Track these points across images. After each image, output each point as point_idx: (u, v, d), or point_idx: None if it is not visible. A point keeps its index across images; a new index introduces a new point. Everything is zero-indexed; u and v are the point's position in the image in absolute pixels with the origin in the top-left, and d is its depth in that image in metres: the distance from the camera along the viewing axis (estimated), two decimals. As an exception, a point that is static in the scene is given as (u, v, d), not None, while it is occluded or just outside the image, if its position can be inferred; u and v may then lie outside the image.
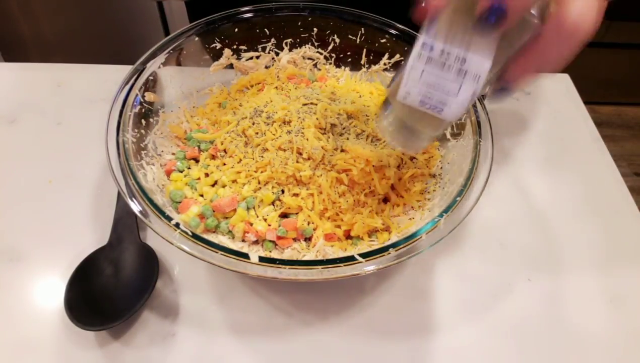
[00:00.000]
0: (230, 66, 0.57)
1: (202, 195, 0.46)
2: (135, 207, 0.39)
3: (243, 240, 0.45)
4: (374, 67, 0.57)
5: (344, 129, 0.49)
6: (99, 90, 0.62)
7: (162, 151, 0.50)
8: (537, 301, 0.46)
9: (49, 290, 0.44)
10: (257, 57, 0.58)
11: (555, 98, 0.66)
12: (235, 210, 0.45)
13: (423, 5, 0.30)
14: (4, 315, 0.43)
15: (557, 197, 0.55)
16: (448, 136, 0.51)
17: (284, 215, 0.45)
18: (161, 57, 0.50)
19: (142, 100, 0.48)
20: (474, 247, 0.50)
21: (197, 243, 0.37)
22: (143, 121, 0.48)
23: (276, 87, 0.55)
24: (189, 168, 0.49)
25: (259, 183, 0.46)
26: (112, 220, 0.47)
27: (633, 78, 1.65)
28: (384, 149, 0.48)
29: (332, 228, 0.44)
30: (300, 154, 0.46)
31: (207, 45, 0.55)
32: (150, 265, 0.44)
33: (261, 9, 0.55)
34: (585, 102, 0.65)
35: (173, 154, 0.50)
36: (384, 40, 0.55)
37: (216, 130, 0.51)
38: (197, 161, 0.50)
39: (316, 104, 0.49)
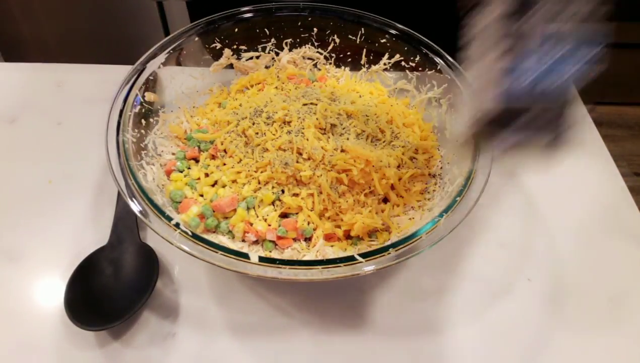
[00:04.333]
0: (230, 66, 0.57)
1: (202, 195, 0.46)
2: (135, 207, 0.39)
3: (243, 240, 0.45)
4: (374, 67, 0.57)
5: (344, 129, 0.49)
6: (99, 90, 0.62)
7: (162, 151, 0.50)
8: (537, 301, 0.46)
9: (49, 290, 0.44)
10: (257, 57, 0.58)
11: (555, 98, 0.66)
12: (235, 210, 0.45)
13: None
14: (4, 315, 0.43)
15: (556, 196, 0.55)
16: (448, 136, 0.51)
17: (284, 215, 0.45)
18: (161, 57, 0.50)
19: (142, 100, 0.48)
20: (474, 247, 0.50)
21: (197, 243, 0.37)
22: (143, 121, 0.48)
23: (276, 87, 0.55)
24: (189, 168, 0.49)
25: (259, 183, 0.46)
26: (112, 220, 0.47)
27: (633, 78, 1.65)
28: (384, 149, 0.48)
29: (332, 228, 0.44)
30: (300, 154, 0.46)
31: (207, 45, 0.55)
32: (150, 265, 0.44)
33: (261, 9, 0.55)
34: (585, 102, 0.65)
35: (173, 154, 0.50)
36: (384, 40, 0.55)
37: (216, 130, 0.51)
38: (197, 161, 0.50)
39: (316, 104, 0.49)
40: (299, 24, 0.56)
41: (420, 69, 0.54)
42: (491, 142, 0.27)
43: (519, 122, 0.25)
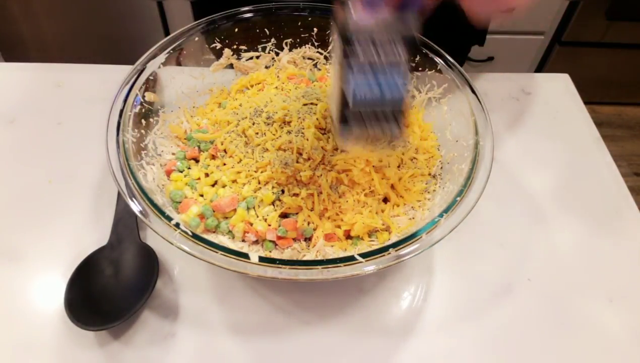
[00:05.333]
0: (231, 66, 0.57)
1: (202, 195, 0.46)
2: (135, 207, 0.39)
3: (243, 240, 0.45)
4: (374, 67, 0.57)
5: (344, 129, 0.49)
6: (99, 90, 0.62)
7: (162, 151, 0.50)
8: (537, 301, 0.46)
9: (49, 290, 0.44)
10: (257, 57, 0.58)
11: (555, 98, 0.66)
12: (235, 210, 0.45)
13: None
14: (4, 315, 0.43)
15: (557, 197, 0.55)
16: (448, 136, 0.51)
17: (284, 215, 0.45)
18: (161, 57, 0.50)
19: (142, 100, 0.48)
20: (474, 247, 0.50)
21: (197, 243, 0.37)
22: (143, 121, 0.48)
23: (276, 87, 0.55)
24: (189, 168, 0.49)
25: (259, 183, 0.46)
26: (112, 220, 0.47)
27: (633, 78, 1.65)
28: (384, 149, 0.48)
29: (332, 228, 0.44)
30: (300, 154, 0.46)
31: (207, 45, 0.55)
32: (150, 265, 0.44)
33: (261, 9, 0.55)
34: (585, 102, 0.65)
35: (173, 154, 0.50)
36: (384, 40, 0.55)
37: (216, 130, 0.51)
38: (197, 161, 0.50)
39: (316, 104, 0.49)
40: (299, 24, 0.56)
41: (420, 69, 0.54)
42: (342, 135, 0.37)
43: (361, 119, 0.36)
